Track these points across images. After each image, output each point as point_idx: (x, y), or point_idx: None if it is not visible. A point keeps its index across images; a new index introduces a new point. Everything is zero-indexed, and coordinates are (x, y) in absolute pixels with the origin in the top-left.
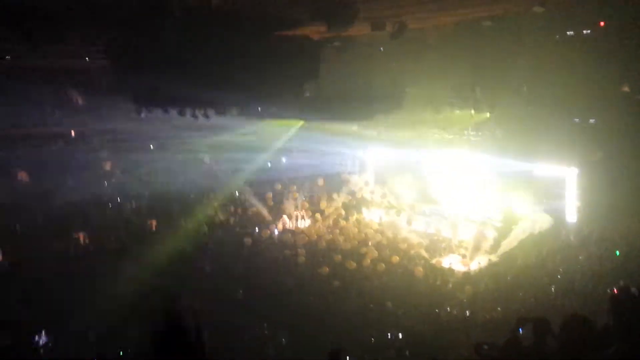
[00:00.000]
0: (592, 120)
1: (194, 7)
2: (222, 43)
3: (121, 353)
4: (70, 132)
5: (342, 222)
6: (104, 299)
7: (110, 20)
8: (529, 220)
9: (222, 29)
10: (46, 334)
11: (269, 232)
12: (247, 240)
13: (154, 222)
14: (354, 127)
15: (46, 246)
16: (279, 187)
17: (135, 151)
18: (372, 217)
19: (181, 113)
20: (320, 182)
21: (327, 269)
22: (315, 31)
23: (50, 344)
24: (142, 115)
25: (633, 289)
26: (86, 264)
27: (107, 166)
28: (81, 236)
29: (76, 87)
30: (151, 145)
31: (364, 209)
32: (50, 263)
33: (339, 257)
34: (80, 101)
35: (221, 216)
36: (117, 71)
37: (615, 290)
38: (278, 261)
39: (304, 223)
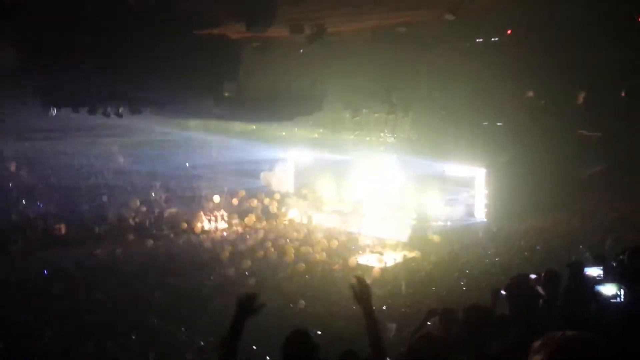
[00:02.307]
0: (499, 123)
1: (108, 4)
2: (137, 40)
3: None
4: None
5: (262, 222)
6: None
7: (20, 16)
8: (442, 217)
9: (137, 26)
10: None
11: (186, 233)
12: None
13: (62, 226)
14: (274, 127)
15: None
16: (197, 187)
17: (43, 151)
18: (292, 216)
19: (92, 111)
20: (240, 182)
21: (246, 268)
22: (234, 31)
23: None
24: (51, 113)
25: (532, 277)
26: None
27: (12, 167)
28: None
29: None
30: (59, 144)
31: (284, 209)
32: None
33: (258, 257)
34: None
35: (136, 218)
36: (25, 67)
37: (510, 280)
38: (197, 263)
39: (223, 224)
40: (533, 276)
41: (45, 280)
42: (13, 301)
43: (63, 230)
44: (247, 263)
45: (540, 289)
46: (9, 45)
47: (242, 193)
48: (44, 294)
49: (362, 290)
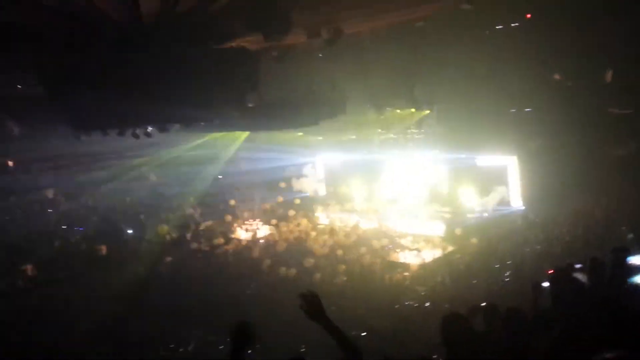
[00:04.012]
0: (528, 110)
1: (124, 25)
2: (157, 59)
3: None
4: (7, 163)
5: (298, 227)
6: (59, 329)
7: (40, 45)
8: (477, 209)
9: (156, 44)
10: None
11: (225, 245)
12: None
13: (103, 248)
14: (300, 134)
15: None
16: (231, 199)
17: (78, 176)
18: (327, 219)
19: (121, 133)
20: (271, 190)
21: (283, 274)
22: (252, 42)
23: None
24: (81, 138)
25: (576, 267)
26: (37, 295)
27: (50, 194)
28: (29, 268)
29: (10, 116)
30: (92, 169)
31: (318, 213)
32: None
33: (294, 261)
34: (16, 130)
35: (173, 234)
36: (51, 96)
37: (552, 271)
38: (235, 273)
39: (261, 232)
40: (577, 266)
41: (91, 301)
42: (60, 326)
43: (104, 252)
44: (284, 269)
45: (583, 278)
46: (34, 73)
47: (280, 200)
48: (91, 315)
49: (312, 305)
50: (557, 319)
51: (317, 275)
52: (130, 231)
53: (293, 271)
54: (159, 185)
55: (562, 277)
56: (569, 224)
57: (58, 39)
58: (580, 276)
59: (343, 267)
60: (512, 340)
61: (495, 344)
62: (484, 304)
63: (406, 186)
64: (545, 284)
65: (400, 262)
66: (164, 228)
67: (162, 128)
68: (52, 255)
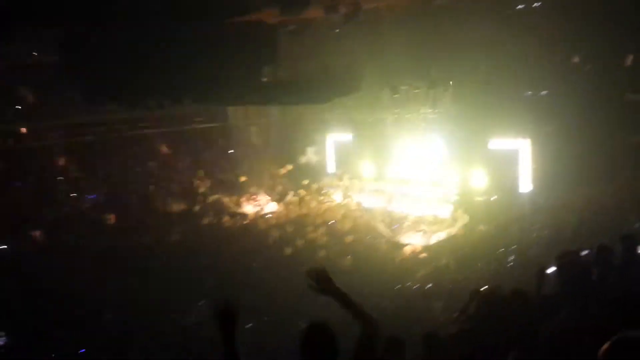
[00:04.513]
0: (543, 92)
1: None
2: (174, 30)
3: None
4: (21, 130)
5: (306, 204)
6: (63, 296)
7: (56, 14)
8: (486, 191)
9: (173, 16)
10: (5, 334)
11: (232, 218)
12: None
13: (112, 216)
14: (312, 110)
15: None
16: (240, 173)
17: (89, 145)
18: (334, 197)
19: (133, 104)
20: (281, 165)
21: (289, 251)
22: (269, 15)
23: (8, 344)
24: (95, 107)
25: (583, 253)
26: (43, 261)
27: (61, 162)
28: (36, 234)
29: (25, 83)
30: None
31: (326, 191)
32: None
33: (301, 238)
34: (30, 97)
35: (182, 205)
36: (66, 65)
37: (560, 257)
38: (245, 245)
39: (269, 207)
40: (584, 252)
41: (98, 269)
42: (67, 291)
43: (113, 221)
44: (291, 245)
45: (591, 265)
46: (50, 42)
47: (288, 176)
48: (96, 283)
49: (321, 279)
50: (563, 304)
51: (322, 253)
52: (139, 201)
53: (298, 247)
54: (170, 157)
55: (569, 263)
56: (578, 210)
57: (75, 8)
58: (587, 262)
59: (348, 245)
60: (516, 324)
61: (498, 326)
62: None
63: (416, 166)
64: (550, 270)
65: (406, 243)
66: (174, 199)
67: (176, 100)
68: (60, 222)
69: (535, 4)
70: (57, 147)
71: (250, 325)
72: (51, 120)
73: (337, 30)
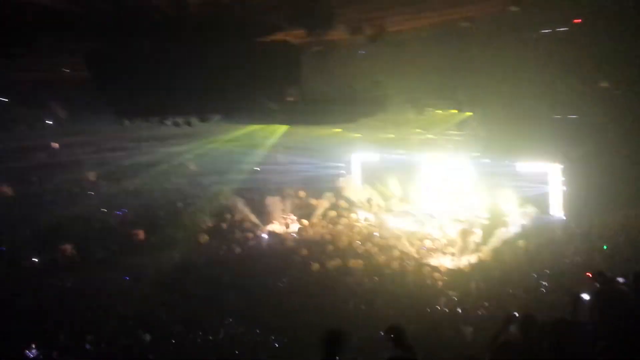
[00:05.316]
0: (573, 116)
1: (171, 15)
2: (201, 50)
3: None
4: (52, 145)
5: (332, 225)
6: (95, 310)
7: (87, 30)
8: (515, 216)
9: (200, 36)
10: (37, 347)
11: (259, 237)
12: (236, 247)
13: (141, 232)
14: (338, 130)
15: (31, 259)
16: (268, 191)
17: (120, 161)
18: (361, 218)
19: (163, 121)
20: (308, 185)
21: (317, 271)
22: (294, 36)
23: (41, 357)
24: (124, 124)
25: (620, 281)
26: (74, 275)
27: (92, 177)
28: (67, 248)
29: (56, 99)
30: (134, 154)
31: (352, 211)
32: (36, 276)
33: (330, 259)
34: (61, 113)
35: (209, 223)
36: (97, 81)
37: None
38: (269, 265)
39: (295, 227)
40: (621, 280)
41: (127, 284)
42: (96, 306)
43: (142, 237)
44: (318, 266)
45: (627, 293)
46: (81, 58)
47: (312, 196)
48: (125, 298)
49: (398, 335)
50: (602, 333)
51: (350, 274)
52: (167, 217)
53: (324, 267)
54: (198, 175)
55: (606, 291)
56: (611, 236)
57: (105, 25)
58: (623, 290)
59: (375, 267)
60: (556, 352)
61: (536, 355)
62: (516, 313)
63: (444, 189)
64: (585, 297)
65: (434, 266)
66: (201, 217)
67: (203, 118)
68: (91, 237)
69: (562, 29)
70: (88, 162)
71: None
72: (82, 136)
73: (362, 52)
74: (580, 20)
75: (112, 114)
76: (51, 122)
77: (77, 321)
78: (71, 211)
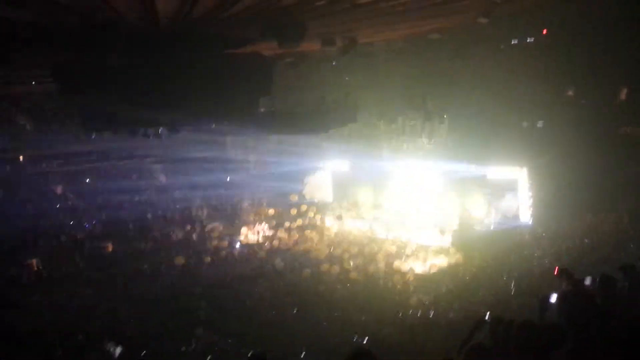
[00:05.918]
0: (539, 124)
1: (141, 28)
2: (172, 62)
3: None
4: (19, 157)
5: (303, 233)
6: (62, 325)
7: (55, 43)
8: (485, 221)
9: (171, 48)
10: None
11: (229, 247)
12: (206, 258)
13: (109, 245)
14: (310, 140)
15: None
16: (238, 202)
17: (87, 173)
18: (332, 225)
19: (132, 133)
20: (279, 194)
21: (288, 279)
22: (266, 48)
23: None
24: (92, 137)
25: (587, 283)
26: (39, 290)
27: (58, 190)
28: (33, 263)
29: (23, 112)
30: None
31: (324, 219)
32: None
33: (300, 267)
34: (28, 126)
35: (179, 234)
36: (64, 94)
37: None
38: (240, 275)
39: (266, 236)
40: (587, 281)
41: (94, 298)
42: (66, 319)
43: (110, 249)
44: (289, 274)
45: (594, 294)
46: (48, 71)
47: (287, 204)
48: (93, 312)
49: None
50: (569, 333)
51: (322, 281)
52: (136, 230)
53: (297, 276)
54: (167, 186)
55: (572, 292)
56: (577, 239)
57: (73, 38)
58: (590, 291)
59: (347, 273)
60: (523, 355)
61: (505, 357)
62: (487, 316)
63: (414, 195)
64: (552, 299)
65: (405, 271)
66: (171, 227)
67: (173, 130)
68: (57, 251)
69: (529, 40)
70: (55, 175)
71: None
72: (49, 149)
73: (334, 63)
74: (546, 31)
75: (80, 126)
76: (17, 134)
77: (42, 338)
78: (37, 225)
